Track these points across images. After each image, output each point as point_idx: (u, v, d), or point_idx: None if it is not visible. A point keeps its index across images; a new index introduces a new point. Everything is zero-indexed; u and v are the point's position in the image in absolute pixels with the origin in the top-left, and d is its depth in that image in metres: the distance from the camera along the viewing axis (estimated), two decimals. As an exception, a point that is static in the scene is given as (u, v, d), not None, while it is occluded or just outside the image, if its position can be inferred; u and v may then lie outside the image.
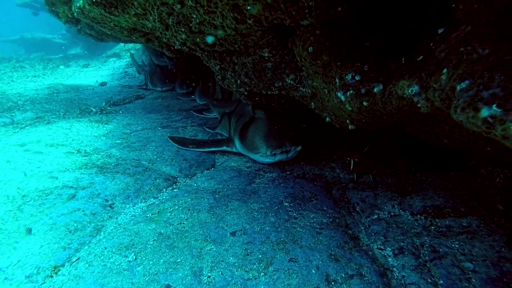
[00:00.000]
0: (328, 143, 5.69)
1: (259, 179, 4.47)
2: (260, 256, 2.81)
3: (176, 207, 3.58)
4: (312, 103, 3.35)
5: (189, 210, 3.51)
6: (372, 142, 5.44)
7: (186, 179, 4.54)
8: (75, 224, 3.23)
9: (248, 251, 2.87)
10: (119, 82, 13.71)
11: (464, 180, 3.91)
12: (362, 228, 3.42)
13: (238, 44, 3.35)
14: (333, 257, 2.81)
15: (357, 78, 2.35)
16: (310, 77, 2.95)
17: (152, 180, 4.26)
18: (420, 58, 2.11)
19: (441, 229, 3.24)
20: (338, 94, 2.48)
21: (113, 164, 4.68)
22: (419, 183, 4.23)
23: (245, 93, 4.03)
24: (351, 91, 2.37)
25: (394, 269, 2.77)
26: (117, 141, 5.81)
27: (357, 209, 3.77)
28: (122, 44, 23.21)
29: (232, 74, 3.75)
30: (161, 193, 4.04)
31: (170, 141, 5.65)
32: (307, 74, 3.09)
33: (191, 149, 5.41)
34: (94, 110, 8.44)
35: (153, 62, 12.22)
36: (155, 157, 5.09)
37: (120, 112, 8.33)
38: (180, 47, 3.93)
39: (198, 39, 3.46)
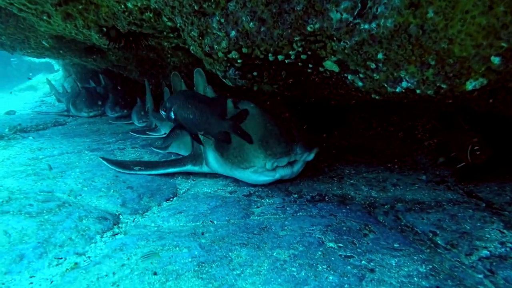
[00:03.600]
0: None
1: (258, 207, 2.79)
2: None
3: (127, 271, 1.74)
4: (380, 54, 1.85)
5: (155, 273, 1.69)
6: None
7: (135, 217, 2.69)
8: None
9: None
10: (33, 110, 11.23)
11: None
12: (481, 276, 1.88)
13: None
14: None
15: None
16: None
17: (73, 222, 2.35)
18: None
19: None
20: None
21: (0, 201, 2.67)
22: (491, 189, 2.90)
23: (239, 60, 2.41)
24: None
25: None
26: (18, 169, 3.74)
27: (440, 242, 2.26)
28: (40, 74, 20.43)
29: (223, 21, 2.13)
30: (93, 245, 2.15)
31: (104, 163, 3.75)
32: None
33: (137, 172, 3.56)
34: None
35: (77, 85, 10.10)
36: (80, 186, 3.16)
37: (31, 137, 6.10)
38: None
39: None
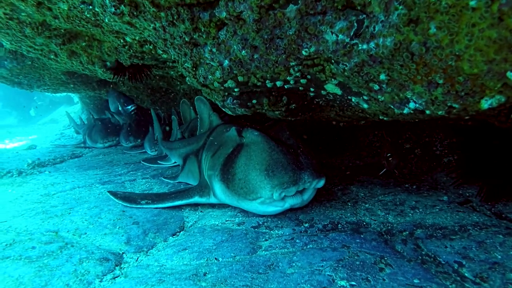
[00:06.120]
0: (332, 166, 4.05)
1: (266, 240, 2.64)
2: None
3: (119, 324, 1.62)
4: (382, 75, 1.72)
5: (148, 328, 1.57)
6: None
7: (139, 255, 2.58)
8: None
9: None
10: (52, 143, 11.48)
11: None
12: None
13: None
14: None
15: None
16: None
17: (73, 265, 2.27)
18: None
19: None
20: None
21: (4, 244, 2.62)
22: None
23: (236, 89, 2.32)
24: None
25: None
26: (29, 207, 3.73)
27: (467, 275, 2.04)
28: (61, 107, 21.18)
29: (215, 50, 2.05)
30: (90, 291, 2.05)
31: (112, 197, 3.68)
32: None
33: (144, 206, 3.47)
34: (9, 174, 6.18)
35: (92, 116, 10.30)
36: (86, 224, 3.09)
37: (47, 172, 6.15)
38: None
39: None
